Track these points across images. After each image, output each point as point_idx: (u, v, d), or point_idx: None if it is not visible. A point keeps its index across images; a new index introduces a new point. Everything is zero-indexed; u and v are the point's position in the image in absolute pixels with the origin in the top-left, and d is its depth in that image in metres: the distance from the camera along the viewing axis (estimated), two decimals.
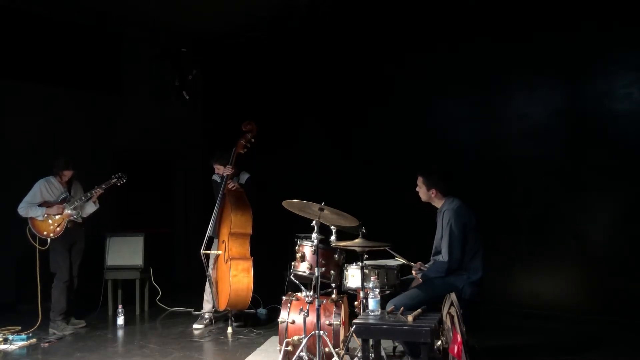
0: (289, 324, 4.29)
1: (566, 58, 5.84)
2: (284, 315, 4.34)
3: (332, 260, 4.39)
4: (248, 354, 4.82)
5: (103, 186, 5.78)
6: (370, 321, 3.51)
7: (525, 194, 6.08)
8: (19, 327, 5.71)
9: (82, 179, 5.99)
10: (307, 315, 4.12)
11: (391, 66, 7.04)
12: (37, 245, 5.63)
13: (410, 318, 3.43)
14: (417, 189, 4.38)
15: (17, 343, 5.23)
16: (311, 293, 4.12)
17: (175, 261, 8.87)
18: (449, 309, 3.69)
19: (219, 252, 5.68)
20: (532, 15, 5.97)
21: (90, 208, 5.88)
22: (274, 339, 5.04)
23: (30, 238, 5.63)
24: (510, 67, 6.19)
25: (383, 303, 3.73)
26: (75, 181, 5.91)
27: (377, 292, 3.64)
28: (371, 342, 3.68)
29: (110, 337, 5.58)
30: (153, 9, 7.38)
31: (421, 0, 6.70)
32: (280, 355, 4.21)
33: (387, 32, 7.01)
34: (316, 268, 4.06)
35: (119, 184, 5.89)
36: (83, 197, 5.77)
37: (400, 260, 4.31)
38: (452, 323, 3.62)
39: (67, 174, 5.76)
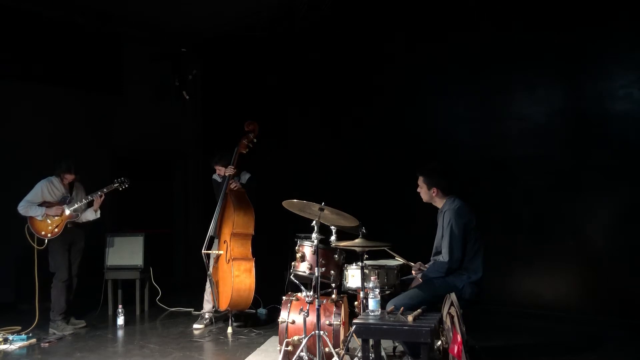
0: (289, 324, 4.29)
1: (566, 58, 5.84)
2: (284, 315, 4.34)
3: (332, 260, 4.39)
4: (248, 354, 4.82)
5: (105, 190, 5.77)
6: (370, 321, 3.50)
7: (525, 194, 6.08)
8: (19, 327, 5.71)
9: (82, 180, 5.98)
10: (307, 315, 4.11)
11: (391, 66, 7.05)
12: (34, 245, 5.63)
13: (410, 318, 3.43)
14: (419, 189, 4.37)
15: (17, 343, 5.23)
16: (311, 293, 4.12)
17: (175, 261, 8.87)
18: (449, 309, 3.69)
19: (221, 252, 5.68)
20: (532, 15, 5.97)
21: (91, 215, 5.86)
22: (274, 339, 5.04)
23: (28, 237, 5.63)
24: (510, 67, 6.19)
25: (383, 303, 3.72)
26: (77, 183, 5.90)
27: (377, 292, 3.63)
28: (371, 342, 3.68)
29: (110, 337, 5.58)
30: (153, 9, 7.38)
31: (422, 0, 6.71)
32: (280, 355, 4.21)
33: (387, 32, 7.02)
34: (316, 268, 4.06)
35: (121, 189, 5.88)
36: (84, 200, 5.76)
37: (400, 260, 4.32)
38: (452, 323, 3.62)
39: (69, 177, 5.75)
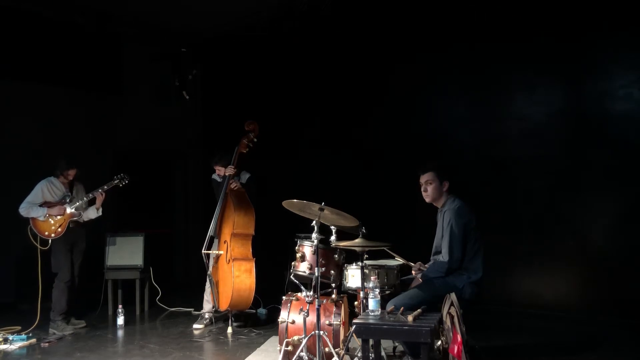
0: (289, 324, 4.29)
1: (566, 58, 5.84)
2: (284, 315, 4.34)
3: (332, 260, 4.39)
4: (248, 354, 4.82)
5: (105, 187, 5.78)
6: (370, 321, 3.50)
7: (525, 194, 6.09)
8: (19, 327, 5.71)
9: (83, 180, 5.99)
10: (307, 315, 4.11)
11: (392, 66, 7.04)
12: (38, 245, 5.63)
13: (410, 318, 3.43)
14: (426, 185, 4.26)
15: (17, 343, 5.23)
16: (311, 293, 4.12)
17: (175, 261, 8.88)
18: (449, 309, 3.69)
19: (221, 252, 5.68)
20: (532, 16, 5.97)
21: (93, 213, 5.87)
22: (274, 339, 5.04)
23: (31, 238, 5.64)
24: (510, 67, 6.20)
25: (383, 303, 3.72)
26: (77, 182, 5.91)
27: (377, 292, 3.63)
28: (371, 342, 3.68)
29: (110, 337, 5.59)
30: (153, 9, 7.38)
31: (422, 1, 6.70)
32: (280, 355, 4.21)
33: (388, 32, 7.02)
34: (316, 268, 4.06)
35: (121, 185, 5.89)
36: (85, 198, 5.77)
37: (400, 260, 4.32)
38: (452, 323, 3.62)
39: (71, 173, 5.75)
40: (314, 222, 4.05)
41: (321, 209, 3.95)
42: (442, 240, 4.19)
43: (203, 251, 5.67)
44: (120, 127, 8.23)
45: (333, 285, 4.39)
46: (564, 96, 5.98)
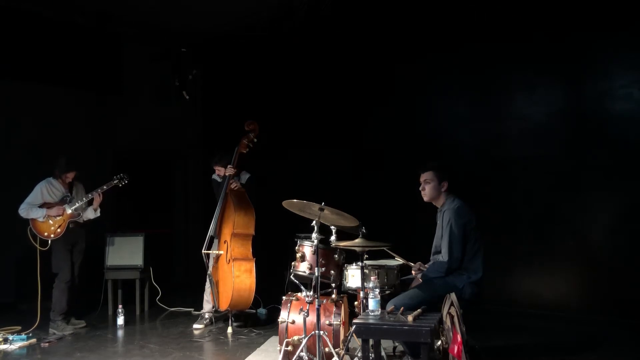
0: (289, 324, 4.29)
1: (566, 58, 5.84)
2: (284, 315, 4.34)
3: (332, 260, 4.39)
4: (248, 354, 4.82)
5: (104, 187, 5.78)
6: (370, 321, 3.50)
7: (526, 194, 6.09)
8: (19, 327, 5.71)
9: (83, 180, 5.99)
10: (307, 315, 4.11)
11: (392, 66, 7.05)
12: (37, 246, 5.63)
13: (410, 318, 3.43)
14: (424, 184, 4.27)
15: (17, 343, 5.23)
16: (311, 293, 4.12)
17: (175, 261, 8.88)
18: (449, 309, 3.69)
19: (221, 252, 5.68)
20: (532, 16, 5.97)
21: (91, 214, 5.86)
22: (274, 339, 5.04)
23: (31, 238, 5.63)
24: (510, 67, 6.20)
25: (383, 303, 3.72)
26: (77, 182, 5.91)
27: (377, 292, 3.63)
28: (371, 342, 3.68)
29: (110, 337, 5.59)
30: (153, 9, 7.38)
31: (422, 1, 6.70)
32: (280, 355, 4.21)
33: (388, 33, 7.02)
34: (316, 268, 4.06)
35: (120, 185, 5.89)
36: (84, 198, 5.76)
37: (400, 260, 4.31)
38: (452, 323, 3.62)
39: (70, 175, 5.75)
40: (314, 222, 4.05)
41: (321, 209, 3.95)
42: (441, 240, 4.19)
43: (203, 251, 5.67)
44: (120, 127, 8.23)
45: (333, 285, 4.39)
46: (564, 96, 5.98)
